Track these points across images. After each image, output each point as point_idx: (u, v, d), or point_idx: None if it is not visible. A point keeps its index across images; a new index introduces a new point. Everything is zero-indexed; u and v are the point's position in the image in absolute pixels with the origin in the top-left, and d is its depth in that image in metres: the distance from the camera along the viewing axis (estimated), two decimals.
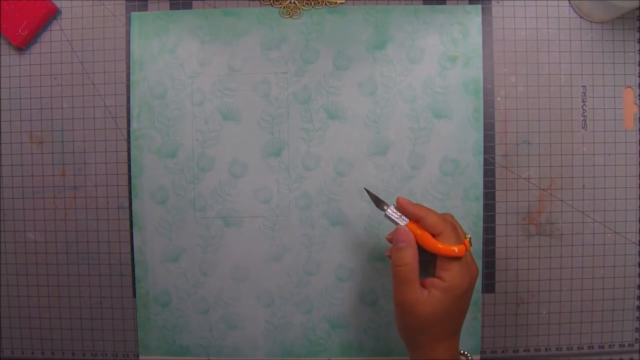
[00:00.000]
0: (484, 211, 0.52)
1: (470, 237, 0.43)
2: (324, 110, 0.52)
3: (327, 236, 0.52)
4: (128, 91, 0.52)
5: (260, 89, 0.52)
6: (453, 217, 0.44)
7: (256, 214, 0.52)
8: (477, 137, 0.51)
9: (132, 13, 0.52)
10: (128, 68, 0.52)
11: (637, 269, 0.53)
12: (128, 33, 0.52)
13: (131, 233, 0.52)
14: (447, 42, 0.51)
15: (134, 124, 0.52)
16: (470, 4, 0.52)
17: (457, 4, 0.52)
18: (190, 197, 0.52)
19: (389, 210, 0.43)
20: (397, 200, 0.43)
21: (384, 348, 0.52)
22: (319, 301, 0.52)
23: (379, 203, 0.44)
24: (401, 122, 0.52)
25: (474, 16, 0.51)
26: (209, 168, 0.52)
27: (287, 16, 0.52)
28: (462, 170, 0.52)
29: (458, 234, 0.41)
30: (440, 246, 0.41)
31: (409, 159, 0.52)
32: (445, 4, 0.52)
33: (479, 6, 0.51)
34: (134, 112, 0.52)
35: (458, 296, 0.41)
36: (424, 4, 0.52)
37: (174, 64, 0.52)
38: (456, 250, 0.40)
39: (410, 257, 0.41)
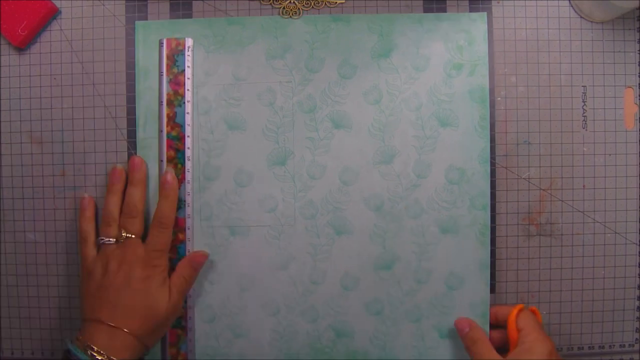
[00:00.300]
0: None
1: None
2: (329, 119, 0.52)
3: (332, 245, 0.52)
4: (128, 91, 0.52)
5: (265, 98, 0.52)
6: None
7: (262, 222, 0.52)
8: (483, 145, 0.51)
9: (137, 22, 0.52)
10: (128, 68, 0.52)
11: (637, 269, 0.53)
12: (128, 33, 0.52)
13: None
14: (452, 50, 0.51)
15: (140, 133, 0.52)
16: (471, 4, 0.52)
17: (458, 6, 0.52)
18: (196, 206, 0.52)
19: None
20: None
21: (389, 357, 0.52)
22: (325, 310, 0.52)
23: None
24: (406, 131, 0.51)
25: (479, 23, 0.51)
26: (215, 177, 0.52)
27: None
28: (468, 178, 0.51)
29: None
30: None
31: (415, 168, 0.52)
32: (446, 8, 0.52)
33: (485, 14, 0.51)
34: (140, 121, 0.52)
35: None
36: (424, 6, 0.52)
37: None
38: None
39: None
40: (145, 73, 0.52)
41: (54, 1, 0.52)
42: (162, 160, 0.51)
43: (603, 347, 0.53)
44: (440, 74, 0.51)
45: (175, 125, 0.51)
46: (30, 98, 0.53)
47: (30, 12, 0.51)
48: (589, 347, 0.53)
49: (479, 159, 0.51)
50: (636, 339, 0.53)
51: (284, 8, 0.52)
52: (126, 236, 0.48)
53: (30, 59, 0.53)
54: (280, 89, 0.52)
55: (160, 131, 0.51)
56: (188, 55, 0.51)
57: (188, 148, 0.51)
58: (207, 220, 0.52)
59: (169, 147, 0.51)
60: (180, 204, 0.51)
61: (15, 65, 0.53)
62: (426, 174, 0.51)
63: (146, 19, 0.52)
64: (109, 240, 0.48)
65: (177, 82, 0.51)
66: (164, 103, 0.51)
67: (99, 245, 0.49)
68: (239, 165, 0.52)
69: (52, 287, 0.53)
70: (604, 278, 0.53)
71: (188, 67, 0.51)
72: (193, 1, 0.53)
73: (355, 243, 0.52)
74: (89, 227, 0.50)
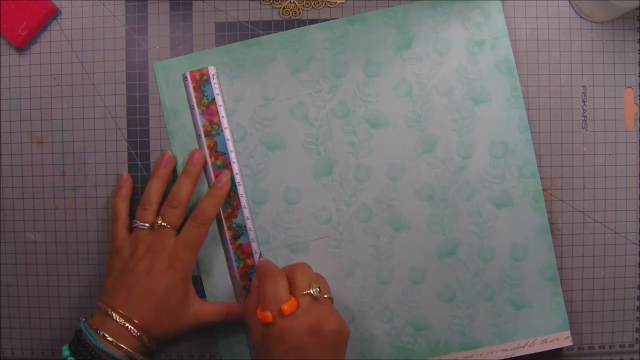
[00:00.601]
0: None
1: (313, 292, 0.45)
2: (364, 120, 0.52)
3: (393, 242, 0.52)
4: (128, 91, 0.52)
5: (298, 112, 0.52)
6: (302, 269, 0.47)
7: (319, 235, 0.52)
8: (520, 114, 0.51)
9: (155, 64, 0.52)
10: (128, 68, 0.52)
11: (637, 269, 0.53)
12: (128, 33, 0.52)
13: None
14: (471, 28, 0.51)
15: (179, 161, 0.52)
16: None
17: None
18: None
19: None
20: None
21: (471, 341, 0.52)
22: (398, 307, 0.52)
23: None
24: (443, 116, 0.52)
25: None
26: (264, 200, 0.52)
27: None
28: (512, 149, 0.52)
29: (277, 295, 0.44)
30: (258, 311, 0.45)
31: (458, 150, 0.52)
32: None
33: None
34: (179, 160, 0.52)
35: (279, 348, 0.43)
36: None
37: None
38: (259, 318, 0.44)
39: (247, 303, 0.48)
40: (174, 112, 0.52)
41: (54, 1, 0.52)
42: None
43: (603, 347, 0.53)
44: (464, 54, 0.51)
45: (219, 155, 0.51)
46: (30, 98, 0.53)
47: (30, 12, 0.51)
48: (589, 347, 0.53)
49: (518, 128, 0.51)
50: (636, 339, 0.53)
51: (284, 8, 0.52)
52: (161, 224, 0.48)
53: (30, 59, 0.53)
54: (311, 100, 0.52)
55: (205, 164, 0.51)
56: (214, 83, 0.51)
57: (236, 174, 0.51)
58: (266, 244, 0.52)
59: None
60: (241, 230, 0.51)
61: (15, 65, 0.53)
62: (470, 154, 0.52)
63: (146, 19, 0.52)
64: (143, 225, 0.48)
65: (210, 112, 0.51)
66: (202, 135, 0.51)
67: (133, 228, 0.49)
68: (285, 183, 0.52)
69: (52, 287, 0.53)
70: (604, 278, 0.53)
71: (217, 94, 0.51)
72: (193, 1, 0.53)
73: (415, 236, 0.52)
74: (122, 206, 0.50)
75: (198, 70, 0.51)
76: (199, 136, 0.51)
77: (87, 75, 0.53)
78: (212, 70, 0.51)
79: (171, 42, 0.53)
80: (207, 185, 0.51)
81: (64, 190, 0.53)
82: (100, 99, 0.53)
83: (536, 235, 0.52)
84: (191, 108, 0.51)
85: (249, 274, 0.51)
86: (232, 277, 0.52)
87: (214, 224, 0.51)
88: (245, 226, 0.51)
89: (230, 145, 0.51)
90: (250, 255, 0.51)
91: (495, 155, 0.52)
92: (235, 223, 0.51)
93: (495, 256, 0.52)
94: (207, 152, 0.51)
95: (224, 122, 0.51)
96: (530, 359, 0.52)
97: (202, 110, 0.51)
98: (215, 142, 0.51)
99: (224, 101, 0.51)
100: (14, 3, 0.51)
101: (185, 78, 0.51)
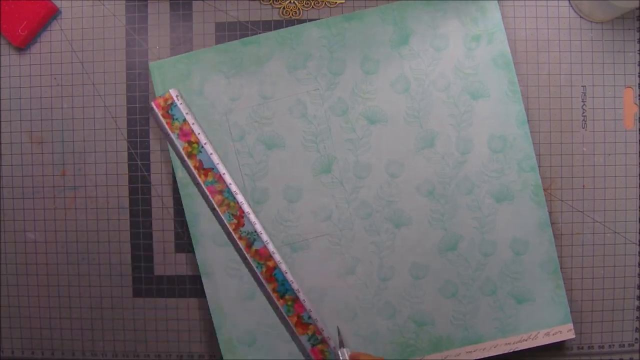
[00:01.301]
0: None
1: None
2: (363, 117, 0.52)
3: (394, 239, 0.52)
4: (128, 91, 0.52)
5: (296, 110, 0.52)
6: None
7: (320, 233, 0.52)
8: (517, 108, 0.51)
9: (151, 64, 0.51)
10: (128, 68, 0.52)
11: (637, 269, 0.53)
12: (128, 33, 0.52)
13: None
14: (467, 23, 0.51)
15: (179, 173, 0.51)
16: None
17: None
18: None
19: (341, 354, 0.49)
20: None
21: (473, 336, 0.52)
22: (400, 303, 0.52)
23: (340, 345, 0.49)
24: (441, 111, 0.52)
25: None
26: (264, 199, 0.52)
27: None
28: (511, 144, 0.52)
29: None
30: None
31: (457, 145, 0.52)
32: None
33: None
34: (177, 162, 0.51)
35: None
36: None
37: (204, 104, 0.51)
38: None
39: None
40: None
41: (54, 1, 0.52)
42: (214, 209, 0.50)
43: (603, 347, 0.53)
44: (461, 49, 0.51)
45: (207, 171, 0.50)
46: (30, 98, 0.53)
47: (30, 12, 0.51)
48: (589, 347, 0.53)
49: (517, 122, 0.51)
50: (636, 339, 0.53)
51: (284, 8, 0.52)
52: None
53: (30, 59, 0.53)
54: (309, 98, 0.52)
55: (197, 184, 0.51)
56: (180, 104, 0.50)
57: (230, 184, 0.50)
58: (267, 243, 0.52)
59: (213, 193, 0.51)
60: (253, 236, 0.51)
61: (15, 65, 0.53)
62: (469, 149, 0.52)
63: (146, 19, 0.52)
64: None
65: (185, 133, 0.50)
66: (185, 158, 0.50)
67: None
68: (285, 182, 0.52)
69: (52, 287, 0.53)
70: (603, 278, 0.53)
71: (187, 113, 0.50)
72: (193, 1, 0.53)
73: (415, 232, 0.52)
74: None
75: (161, 97, 0.50)
76: (182, 160, 0.50)
77: (87, 75, 0.53)
78: (174, 92, 0.50)
79: (171, 42, 0.53)
80: (207, 206, 0.51)
81: (64, 190, 0.53)
82: (100, 99, 0.53)
83: (537, 228, 0.52)
84: (167, 137, 0.50)
85: (274, 275, 0.51)
86: (260, 285, 0.51)
87: (223, 236, 0.51)
88: (255, 231, 0.51)
89: (215, 159, 0.50)
90: (269, 257, 0.51)
91: (494, 150, 0.52)
92: (244, 231, 0.51)
93: (496, 250, 0.52)
94: (195, 172, 0.50)
95: (202, 138, 0.50)
96: (532, 353, 0.52)
97: (177, 134, 0.50)
98: (200, 160, 0.50)
99: (195, 118, 0.50)
100: (14, 3, 0.51)
101: (151, 109, 0.50)
